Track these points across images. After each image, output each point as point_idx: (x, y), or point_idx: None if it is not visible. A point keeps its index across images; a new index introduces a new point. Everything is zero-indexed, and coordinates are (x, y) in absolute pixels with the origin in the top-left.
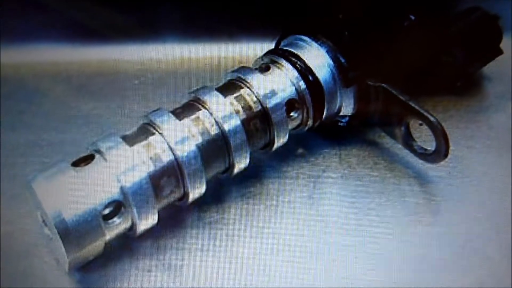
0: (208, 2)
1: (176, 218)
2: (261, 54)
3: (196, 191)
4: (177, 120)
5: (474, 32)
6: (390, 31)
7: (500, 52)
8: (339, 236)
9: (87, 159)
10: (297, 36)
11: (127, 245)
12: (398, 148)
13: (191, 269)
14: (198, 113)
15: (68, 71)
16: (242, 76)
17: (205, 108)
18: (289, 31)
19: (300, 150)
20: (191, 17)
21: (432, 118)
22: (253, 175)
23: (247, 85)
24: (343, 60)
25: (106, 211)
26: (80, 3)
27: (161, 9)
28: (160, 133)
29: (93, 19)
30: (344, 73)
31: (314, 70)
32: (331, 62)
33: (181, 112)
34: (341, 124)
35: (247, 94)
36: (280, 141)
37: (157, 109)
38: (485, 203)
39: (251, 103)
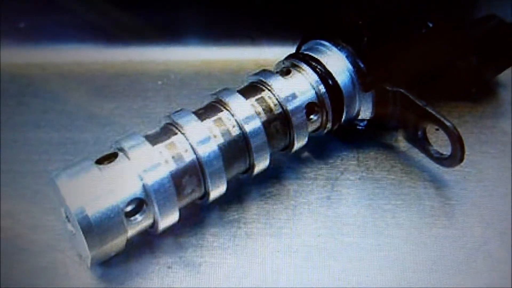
0: (231, 5)
1: (197, 217)
2: (282, 58)
3: (217, 190)
4: (199, 121)
5: (490, 39)
6: (408, 37)
7: None
8: (355, 237)
9: (110, 157)
10: (318, 41)
11: (148, 242)
12: (415, 152)
13: (210, 267)
14: (220, 114)
15: (92, 72)
16: (263, 79)
17: (226, 109)
18: (309, 36)
19: (319, 153)
20: (213, 20)
21: (448, 124)
22: (273, 176)
23: (268, 88)
24: (362, 65)
25: (129, 208)
26: (105, 6)
27: (184, 12)
28: (182, 133)
29: (117, 21)
30: (363, 78)
31: (334, 75)
32: (350, 67)
33: (203, 113)
34: (360, 127)
35: (268, 96)
36: (299, 143)
37: (180, 110)
38: (499, 207)
39: (272, 105)
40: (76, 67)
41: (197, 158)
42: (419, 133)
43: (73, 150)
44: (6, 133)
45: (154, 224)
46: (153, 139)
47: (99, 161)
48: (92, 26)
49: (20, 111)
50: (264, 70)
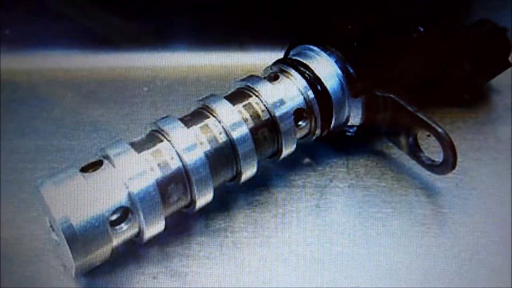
0: (218, 11)
1: (183, 225)
2: (270, 63)
3: (204, 198)
4: (185, 128)
5: (482, 44)
6: (399, 42)
7: (508, 64)
8: (345, 246)
9: (95, 165)
10: (306, 46)
11: (134, 251)
12: (406, 159)
13: (197, 276)
14: (206, 121)
15: (79, 78)
16: (251, 85)
17: (213, 116)
18: (298, 41)
19: (307, 160)
20: (201, 25)
21: (440, 130)
22: (261, 184)
23: (256, 93)
24: (351, 70)
25: (114, 217)
26: (91, 11)
27: (171, 17)
28: (168, 140)
29: (104, 27)
30: (352, 83)
31: (322, 80)
32: (339, 72)
33: (189, 120)
34: (349, 134)
35: (256, 102)
36: (287, 150)
37: (166, 116)
38: (492, 215)
39: (259, 111)
40: (62, 73)
41: (183, 166)
42: (410, 139)
43: (59, 157)
44: None
45: (139, 233)
46: (139, 147)
47: (84, 169)
48: (78, 32)
49: (6, 118)
50: (251, 76)
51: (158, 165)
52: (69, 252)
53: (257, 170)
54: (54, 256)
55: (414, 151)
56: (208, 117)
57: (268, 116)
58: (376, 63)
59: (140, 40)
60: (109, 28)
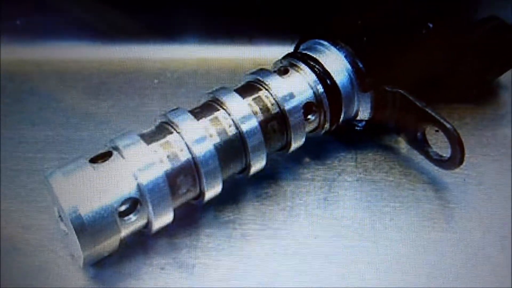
0: (229, 4)
1: (192, 217)
2: (280, 57)
3: (212, 190)
4: (195, 120)
5: (491, 41)
6: (408, 38)
7: None
8: (352, 239)
9: (105, 156)
10: (316, 40)
11: (142, 242)
12: (414, 154)
13: (204, 268)
14: (216, 114)
15: (89, 69)
16: (261, 78)
17: (223, 108)
18: (308, 35)
19: (316, 153)
20: (211, 18)
21: (448, 125)
22: (269, 176)
23: (266, 87)
24: (361, 65)
25: (122, 208)
26: (102, 3)
27: (182, 10)
28: (178, 132)
29: (115, 19)
30: (361, 78)
31: (332, 74)
32: (349, 66)
33: (199, 112)
34: (358, 128)
35: (265, 96)
36: (296, 143)
37: (176, 109)
38: (499, 211)
39: (269, 105)
40: (72, 65)
41: (193, 158)
42: (419, 134)
43: (68, 148)
44: (1, 131)
45: (148, 224)
46: (148, 138)
47: (93, 160)
48: (89, 24)
49: (16, 108)
50: (261, 69)
51: (168, 156)
52: (78, 242)
53: (266, 163)
54: (63, 246)
55: (422, 146)
56: (218, 110)
57: (277, 109)
58: (385, 58)
59: (150, 33)
60: (120, 20)
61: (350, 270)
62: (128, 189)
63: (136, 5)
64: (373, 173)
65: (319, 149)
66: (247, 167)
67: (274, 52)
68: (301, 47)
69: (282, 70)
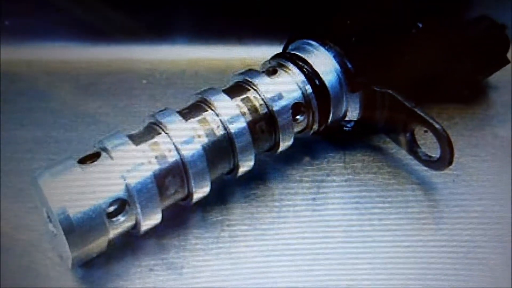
0: (218, 4)
1: (180, 218)
2: (269, 57)
3: (200, 191)
4: (183, 121)
5: (481, 41)
6: (397, 37)
7: (507, 61)
8: (341, 240)
9: (93, 157)
10: (305, 40)
11: (130, 243)
12: (403, 155)
13: (193, 269)
14: (204, 114)
15: (78, 70)
16: (249, 79)
17: (211, 109)
18: (297, 35)
19: (304, 154)
20: (200, 18)
21: (437, 126)
22: (258, 177)
23: (254, 87)
24: (350, 65)
25: (111, 208)
26: (91, 3)
27: (171, 10)
28: (166, 133)
29: (104, 19)
30: (350, 78)
31: (320, 75)
32: (338, 67)
33: (187, 113)
34: (347, 129)
35: (254, 96)
36: (285, 144)
37: (164, 109)
38: (488, 212)
39: (257, 105)
40: (61, 65)
41: (181, 158)
42: (408, 135)
43: (57, 149)
44: None
45: (136, 225)
46: (137, 139)
47: (82, 161)
48: (78, 24)
49: (5, 109)
50: (250, 70)
51: (156, 157)
52: (66, 243)
53: (254, 163)
54: (51, 247)
55: (411, 147)
56: (206, 110)
57: (266, 110)
58: (375, 58)
59: (139, 33)
60: (108, 20)
61: (339, 270)
62: (117, 190)
63: (125, 6)
64: (361, 174)
65: (307, 150)
66: (235, 167)
67: (263, 52)
68: (290, 47)
69: (271, 70)
